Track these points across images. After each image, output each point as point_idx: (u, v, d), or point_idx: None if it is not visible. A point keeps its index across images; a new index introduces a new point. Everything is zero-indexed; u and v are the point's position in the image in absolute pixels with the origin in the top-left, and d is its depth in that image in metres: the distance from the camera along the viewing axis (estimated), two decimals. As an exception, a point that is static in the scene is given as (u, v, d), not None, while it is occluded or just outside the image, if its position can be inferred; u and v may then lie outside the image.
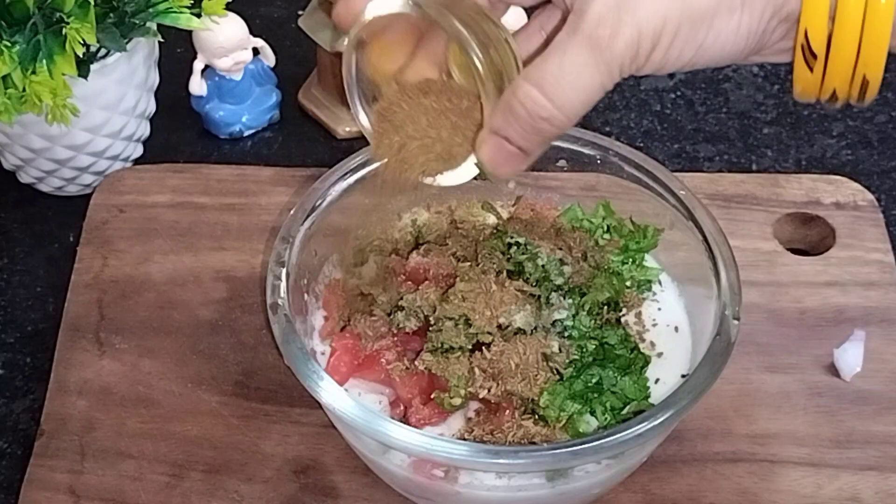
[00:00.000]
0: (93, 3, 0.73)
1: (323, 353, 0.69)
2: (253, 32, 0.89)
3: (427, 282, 0.67)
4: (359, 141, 0.90)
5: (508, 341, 0.64)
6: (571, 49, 0.50)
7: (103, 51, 0.80)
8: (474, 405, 0.65)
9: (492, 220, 0.73)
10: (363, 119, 0.60)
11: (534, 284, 0.66)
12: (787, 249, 0.81)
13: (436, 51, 0.58)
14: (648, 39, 0.49)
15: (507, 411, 0.63)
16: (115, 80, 0.82)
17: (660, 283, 0.72)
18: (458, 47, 0.55)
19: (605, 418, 0.64)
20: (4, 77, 0.72)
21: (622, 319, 0.68)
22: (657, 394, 0.65)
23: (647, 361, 0.66)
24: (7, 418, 0.76)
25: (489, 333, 0.64)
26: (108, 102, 0.83)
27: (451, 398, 0.63)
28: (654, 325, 0.70)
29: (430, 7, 0.54)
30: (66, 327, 0.77)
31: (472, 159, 0.58)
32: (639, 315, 0.70)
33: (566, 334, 0.65)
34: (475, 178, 0.60)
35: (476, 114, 0.57)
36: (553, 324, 0.65)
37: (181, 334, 0.77)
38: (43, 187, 0.88)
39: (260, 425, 0.72)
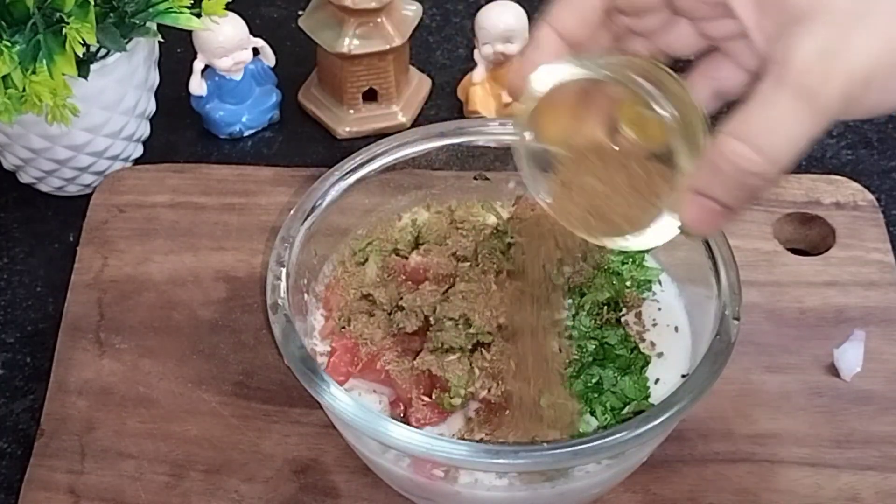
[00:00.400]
0: (93, 3, 0.73)
1: (323, 353, 0.69)
2: (253, 32, 0.89)
3: (427, 282, 0.67)
4: (359, 141, 0.91)
5: (508, 341, 0.64)
6: (780, 100, 0.47)
7: (103, 51, 0.80)
8: (474, 405, 0.65)
9: (492, 220, 0.73)
10: (536, 187, 0.58)
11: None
12: (787, 249, 0.81)
13: (605, 111, 0.56)
14: (860, 85, 0.47)
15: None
16: (115, 80, 0.82)
17: (660, 283, 0.72)
18: (643, 105, 0.53)
19: (605, 418, 0.64)
20: (4, 77, 0.72)
21: (622, 319, 0.68)
22: (657, 394, 0.65)
23: (647, 361, 0.66)
24: (7, 418, 0.76)
25: (489, 333, 0.64)
26: (108, 102, 0.83)
27: (451, 398, 0.63)
28: (654, 325, 0.70)
29: (610, 68, 0.54)
30: (66, 327, 0.77)
31: (667, 219, 0.55)
32: (639, 315, 0.70)
33: (566, 334, 0.65)
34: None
35: (654, 171, 0.55)
36: (553, 324, 0.65)
37: (181, 334, 0.77)
38: (43, 187, 0.88)
39: (260, 425, 0.72)
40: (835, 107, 0.47)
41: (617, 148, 0.56)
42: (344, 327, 0.68)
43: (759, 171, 0.48)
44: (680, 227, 0.54)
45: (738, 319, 0.64)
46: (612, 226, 0.57)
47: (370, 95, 0.93)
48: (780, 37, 0.48)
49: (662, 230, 0.55)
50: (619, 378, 0.65)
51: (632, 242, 0.57)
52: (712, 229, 0.53)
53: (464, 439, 0.63)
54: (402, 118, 0.93)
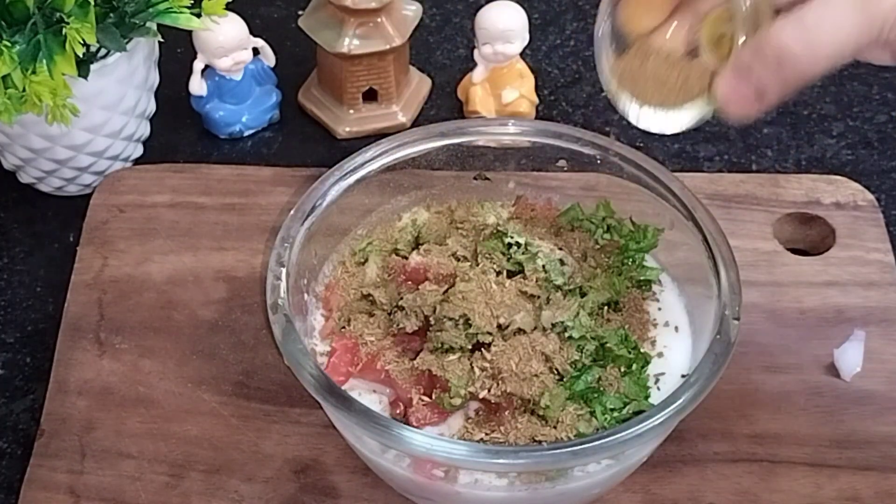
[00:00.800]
0: (93, 3, 0.73)
1: (323, 353, 0.69)
2: (253, 32, 0.89)
3: (427, 282, 0.67)
4: (358, 141, 0.91)
5: (508, 341, 0.64)
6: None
7: (103, 51, 0.80)
8: (474, 405, 0.65)
9: (492, 220, 0.73)
10: (604, 64, 0.62)
11: (534, 284, 0.66)
12: (787, 249, 0.81)
13: (690, 23, 0.59)
14: None
15: (507, 411, 0.63)
16: (115, 80, 0.82)
17: (660, 282, 0.72)
18: (727, 24, 0.56)
19: (605, 418, 0.64)
20: (4, 77, 0.72)
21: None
22: (657, 394, 0.65)
23: (647, 361, 0.66)
24: (7, 418, 0.76)
25: (489, 333, 0.64)
26: (108, 102, 0.83)
27: (451, 398, 0.63)
28: (654, 324, 0.70)
29: None
30: (66, 327, 0.77)
31: (701, 101, 0.59)
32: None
33: (566, 334, 0.65)
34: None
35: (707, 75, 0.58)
36: (553, 324, 0.65)
37: (181, 334, 0.77)
38: (43, 187, 0.88)
39: (260, 425, 0.72)
40: (885, 17, 0.49)
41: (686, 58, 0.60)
42: (344, 327, 0.68)
43: (795, 55, 0.50)
44: (713, 108, 0.57)
45: (738, 319, 0.64)
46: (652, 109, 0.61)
47: (370, 95, 0.93)
48: None
49: (698, 111, 0.60)
50: (619, 378, 0.65)
51: (666, 121, 0.61)
52: (738, 110, 0.54)
53: (464, 439, 0.63)
54: (402, 118, 0.93)
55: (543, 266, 0.66)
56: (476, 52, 0.90)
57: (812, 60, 0.50)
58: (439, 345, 0.64)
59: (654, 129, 0.62)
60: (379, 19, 0.88)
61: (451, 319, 0.64)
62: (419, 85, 0.96)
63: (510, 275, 0.67)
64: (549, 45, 1.01)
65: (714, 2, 0.58)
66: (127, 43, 0.79)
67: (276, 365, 0.74)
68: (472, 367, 0.64)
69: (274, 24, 1.01)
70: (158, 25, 0.81)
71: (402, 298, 0.67)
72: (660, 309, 0.70)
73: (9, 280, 0.84)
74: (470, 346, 0.64)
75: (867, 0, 0.49)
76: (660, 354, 0.68)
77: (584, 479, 0.63)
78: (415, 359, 0.65)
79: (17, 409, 0.77)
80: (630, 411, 0.64)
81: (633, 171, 0.71)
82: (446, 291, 0.66)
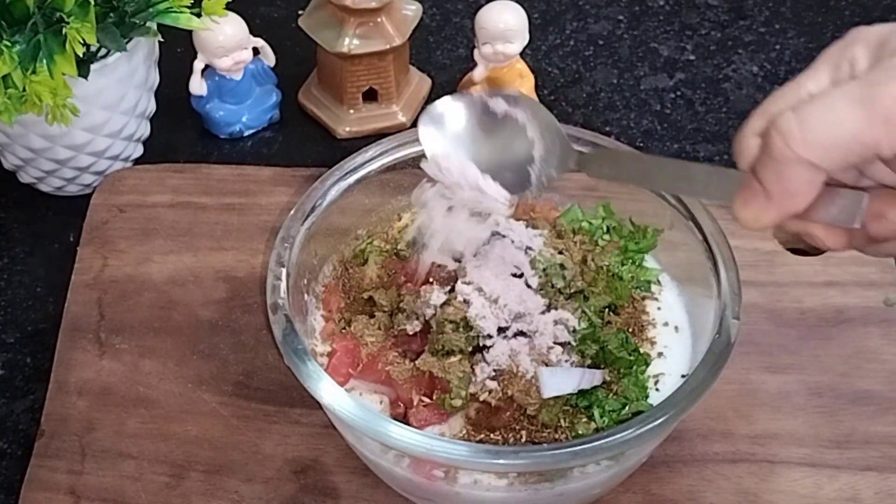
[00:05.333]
0: (93, 3, 0.73)
1: (323, 354, 0.69)
2: (253, 32, 0.89)
3: (428, 284, 0.67)
4: (359, 141, 0.91)
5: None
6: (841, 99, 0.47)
7: (103, 51, 0.80)
8: (475, 405, 0.65)
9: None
10: None
11: (534, 287, 0.66)
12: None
13: None
14: None
15: (508, 412, 0.63)
16: (115, 80, 0.82)
17: (660, 282, 0.72)
18: None
19: (605, 420, 0.64)
20: (4, 77, 0.72)
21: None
22: (657, 394, 0.65)
23: (647, 362, 0.66)
24: (7, 418, 0.76)
25: (490, 336, 0.64)
26: (108, 102, 0.83)
27: (452, 399, 0.63)
28: (654, 325, 0.69)
29: None
30: (66, 327, 0.77)
31: None
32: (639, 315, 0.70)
33: (567, 338, 0.65)
34: None
35: None
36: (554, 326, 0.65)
37: (181, 334, 0.77)
38: (43, 187, 0.88)
39: (260, 425, 0.72)
40: (887, 112, 0.46)
41: None
42: (345, 328, 0.68)
43: (793, 150, 0.48)
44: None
45: (738, 319, 0.64)
46: None
47: (370, 95, 0.93)
48: None
49: None
50: (618, 379, 0.65)
51: None
52: (757, 219, 0.53)
53: (464, 439, 0.63)
54: (402, 118, 0.93)
55: (545, 269, 0.66)
56: (476, 51, 0.90)
57: (808, 150, 0.48)
58: (440, 347, 0.64)
59: None
60: (379, 19, 0.88)
61: (451, 322, 0.64)
62: (419, 85, 0.96)
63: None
64: (549, 45, 1.01)
65: None
66: (127, 43, 0.79)
67: (276, 365, 0.74)
68: (473, 370, 0.64)
69: (274, 24, 1.01)
70: (158, 25, 0.81)
71: (402, 300, 0.67)
72: (660, 309, 0.70)
73: (9, 280, 0.84)
74: (470, 349, 0.64)
75: (867, 95, 0.46)
76: (660, 354, 0.68)
77: (584, 479, 0.63)
78: (416, 360, 0.65)
79: (17, 409, 0.77)
80: (629, 412, 0.64)
81: (633, 171, 0.71)
82: (447, 294, 0.66)
